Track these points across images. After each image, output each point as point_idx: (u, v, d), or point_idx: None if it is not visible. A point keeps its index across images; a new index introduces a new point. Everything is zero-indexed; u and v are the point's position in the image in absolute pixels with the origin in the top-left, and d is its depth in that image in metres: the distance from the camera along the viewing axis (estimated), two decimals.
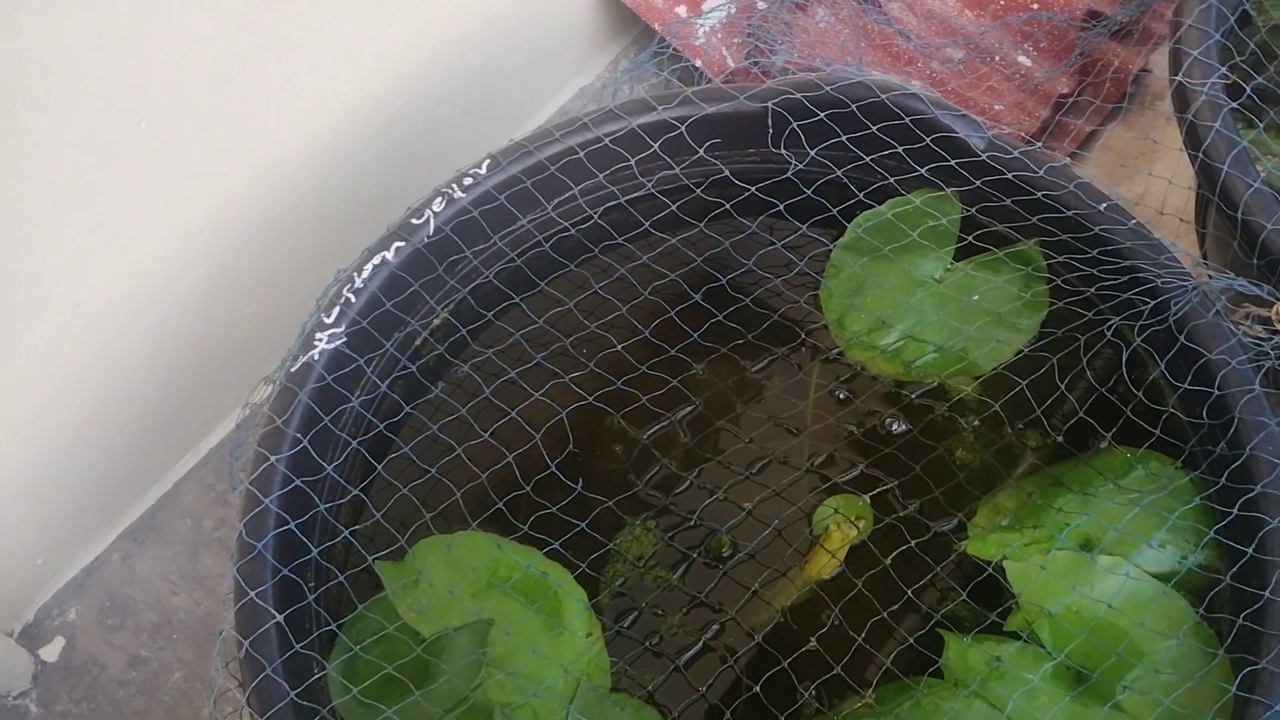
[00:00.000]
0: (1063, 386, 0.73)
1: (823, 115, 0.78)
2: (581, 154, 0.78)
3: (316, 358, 0.70)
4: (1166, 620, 0.66)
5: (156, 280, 0.84)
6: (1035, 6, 1.13)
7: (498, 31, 1.00)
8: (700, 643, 0.70)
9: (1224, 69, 0.79)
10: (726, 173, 0.82)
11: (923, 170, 0.79)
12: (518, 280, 0.81)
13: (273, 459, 0.66)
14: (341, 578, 0.69)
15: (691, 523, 0.74)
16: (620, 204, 0.82)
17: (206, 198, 0.84)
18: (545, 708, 0.65)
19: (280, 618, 0.62)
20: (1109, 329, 0.74)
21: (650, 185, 0.82)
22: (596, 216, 0.82)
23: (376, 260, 0.74)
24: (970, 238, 0.80)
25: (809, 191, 0.80)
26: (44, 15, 0.66)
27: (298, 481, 0.67)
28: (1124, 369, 0.74)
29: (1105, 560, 0.68)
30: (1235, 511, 0.65)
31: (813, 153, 0.80)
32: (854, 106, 0.78)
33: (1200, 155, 0.76)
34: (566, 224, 0.81)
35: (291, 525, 0.66)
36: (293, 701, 0.60)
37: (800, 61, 0.98)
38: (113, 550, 0.96)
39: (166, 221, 0.82)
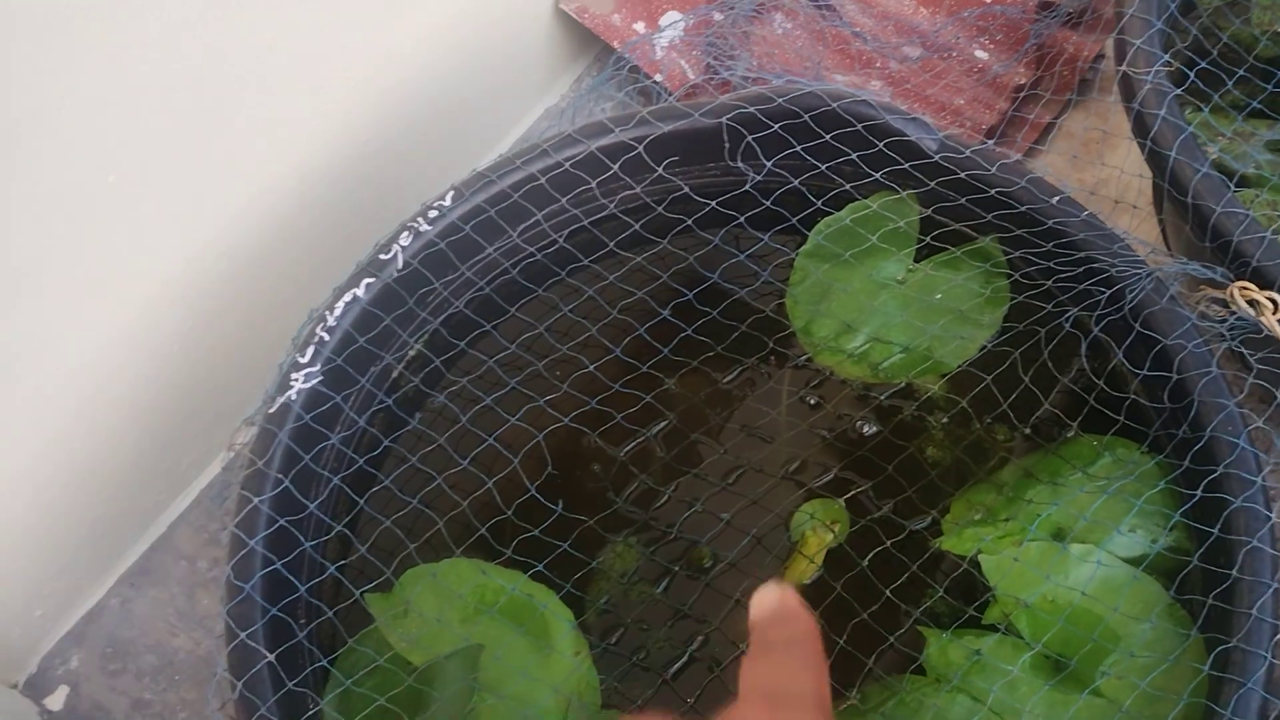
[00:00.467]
0: (1027, 379, 0.75)
1: (776, 127, 0.80)
2: (543, 180, 0.79)
3: (294, 398, 0.71)
4: (1140, 604, 0.67)
5: (138, 329, 0.85)
6: (988, 1, 1.14)
7: (458, 61, 1.01)
8: (686, 655, 0.71)
9: (1167, 56, 0.80)
10: (686, 189, 0.83)
11: (878, 175, 0.80)
12: (488, 308, 0.83)
13: (256, 500, 0.67)
14: (331, 613, 0.70)
15: (672, 536, 0.75)
16: (584, 226, 0.83)
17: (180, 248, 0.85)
18: None
19: (271, 657, 0.63)
20: (1068, 320, 0.76)
21: (613, 206, 0.83)
22: (562, 240, 0.83)
23: (348, 298, 0.75)
24: (929, 238, 0.81)
25: (768, 203, 0.82)
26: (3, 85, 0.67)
27: (282, 521, 0.68)
28: (1085, 358, 0.75)
29: (1077, 548, 0.69)
30: (1200, 493, 0.67)
31: (769, 164, 0.82)
32: (806, 116, 0.79)
33: (1148, 143, 0.77)
34: (533, 249, 0.82)
35: (278, 565, 0.67)
36: None
37: (757, 73, 0.99)
38: (111, 596, 0.97)
39: (143, 277, 0.83)
